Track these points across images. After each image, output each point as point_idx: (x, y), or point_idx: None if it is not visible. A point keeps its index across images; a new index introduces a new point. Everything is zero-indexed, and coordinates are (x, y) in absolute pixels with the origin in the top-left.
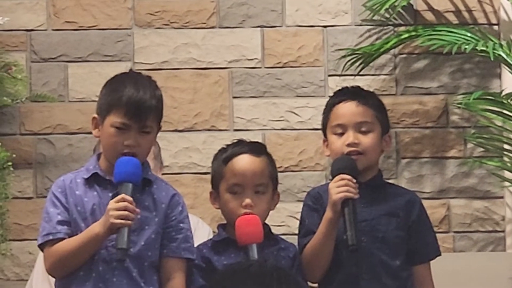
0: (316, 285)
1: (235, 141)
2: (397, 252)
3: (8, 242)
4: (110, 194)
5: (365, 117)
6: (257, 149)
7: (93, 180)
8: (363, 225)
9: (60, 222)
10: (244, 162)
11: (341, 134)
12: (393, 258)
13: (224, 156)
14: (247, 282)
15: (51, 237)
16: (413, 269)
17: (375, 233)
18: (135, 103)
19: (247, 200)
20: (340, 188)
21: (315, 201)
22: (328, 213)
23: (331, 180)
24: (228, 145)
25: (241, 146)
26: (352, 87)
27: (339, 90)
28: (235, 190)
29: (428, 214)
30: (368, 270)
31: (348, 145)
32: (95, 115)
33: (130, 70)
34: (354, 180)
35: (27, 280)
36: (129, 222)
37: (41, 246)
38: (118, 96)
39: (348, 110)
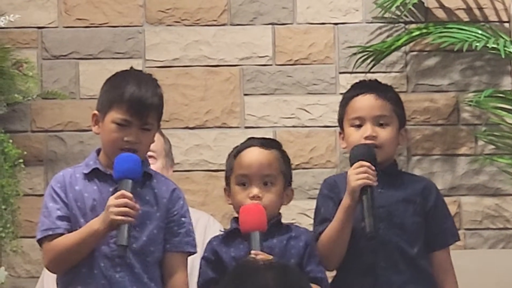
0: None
1: (248, 137)
2: (415, 239)
3: (19, 239)
4: (111, 189)
5: (383, 110)
6: (267, 143)
7: (93, 175)
8: (380, 211)
9: (60, 218)
10: (252, 154)
11: (359, 127)
12: (411, 245)
13: (235, 151)
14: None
15: (50, 232)
16: (432, 255)
17: (392, 219)
18: (136, 99)
19: (254, 191)
20: (360, 175)
21: (331, 189)
22: (346, 200)
23: (350, 167)
24: (241, 143)
25: (251, 141)
26: (370, 80)
27: (357, 83)
28: (243, 181)
29: (444, 200)
30: (385, 258)
31: (366, 138)
32: (95, 112)
33: (131, 68)
34: (373, 168)
35: (38, 277)
36: (129, 218)
37: (40, 241)
38: (119, 93)
39: (366, 103)
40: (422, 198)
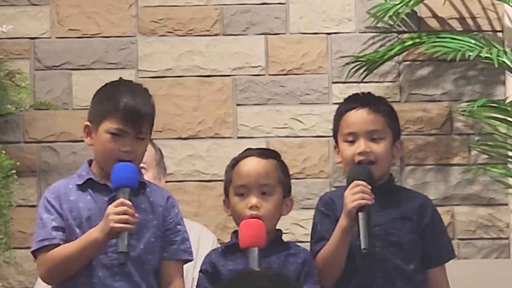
0: None
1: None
2: (411, 256)
3: (12, 250)
4: (106, 199)
5: (376, 125)
6: (265, 152)
7: (87, 186)
8: (376, 229)
9: (55, 228)
10: (249, 163)
11: (352, 142)
12: (407, 262)
13: (233, 161)
14: None
15: (46, 243)
16: (428, 272)
17: (388, 237)
18: (131, 109)
19: (252, 201)
20: (355, 195)
21: (327, 207)
22: (343, 221)
23: (347, 187)
24: (239, 154)
25: (249, 151)
26: (363, 93)
27: (350, 96)
28: (241, 191)
29: (441, 217)
30: (382, 275)
31: (360, 153)
32: (87, 123)
33: (120, 78)
34: (369, 187)
35: None
36: (129, 226)
37: (35, 253)
38: (114, 103)
39: (359, 118)
40: (418, 216)
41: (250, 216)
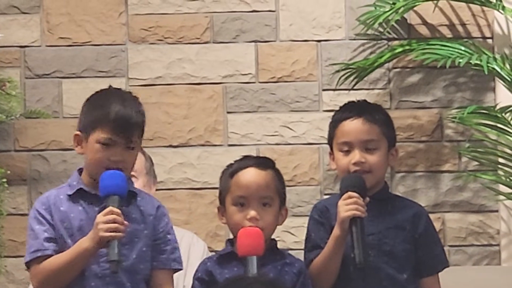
0: None
1: (242, 156)
2: (404, 265)
3: (2, 258)
4: (97, 209)
5: (372, 135)
6: (264, 162)
7: (77, 196)
8: (370, 238)
9: (47, 239)
10: (250, 174)
11: (347, 152)
12: (400, 272)
13: (231, 170)
14: None
15: (39, 254)
16: (420, 282)
17: (382, 246)
18: (122, 119)
19: (252, 213)
20: (349, 206)
21: (321, 215)
22: (336, 231)
23: (340, 196)
24: (235, 161)
25: (247, 160)
26: (359, 101)
27: (346, 104)
28: (240, 202)
29: (434, 226)
30: (375, 284)
31: (355, 164)
32: (78, 132)
33: (110, 86)
34: (362, 199)
35: None
36: (119, 234)
37: (28, 264)
38: (104, 112)
39: (354, 128)
40: (412, 225)
41: (249, 227)
